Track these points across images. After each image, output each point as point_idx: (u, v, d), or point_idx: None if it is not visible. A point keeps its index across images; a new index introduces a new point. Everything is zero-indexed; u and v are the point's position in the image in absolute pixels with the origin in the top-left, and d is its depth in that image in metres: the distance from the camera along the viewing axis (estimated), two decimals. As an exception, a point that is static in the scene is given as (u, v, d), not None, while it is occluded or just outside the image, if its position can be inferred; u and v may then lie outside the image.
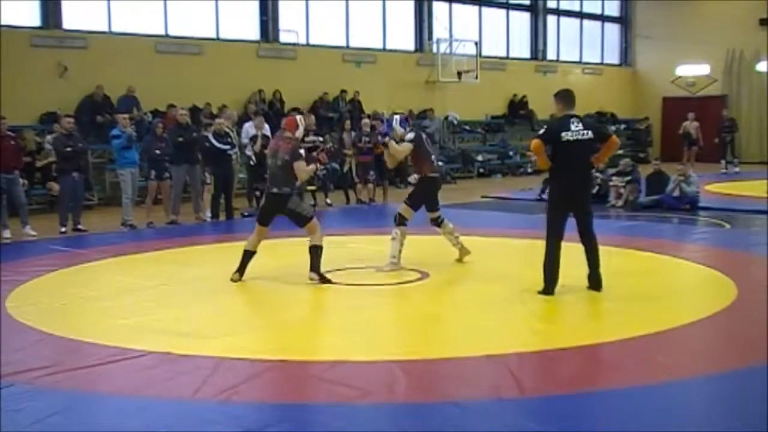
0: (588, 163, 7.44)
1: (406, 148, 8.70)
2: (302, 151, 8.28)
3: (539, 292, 7.34)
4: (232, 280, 8.12)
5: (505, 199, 16.55)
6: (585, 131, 7.24)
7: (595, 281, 7.44)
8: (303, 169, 8.10)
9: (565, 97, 7.52)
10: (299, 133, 8.23)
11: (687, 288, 8.13)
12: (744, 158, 26.24)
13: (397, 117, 9.15)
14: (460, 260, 9.01)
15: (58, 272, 8.90)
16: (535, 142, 7.23)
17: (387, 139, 8.93)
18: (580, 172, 7.36)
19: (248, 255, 8.21)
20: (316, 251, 8.07)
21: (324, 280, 7.99)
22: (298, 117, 8.43)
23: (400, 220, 8.64)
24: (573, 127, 7.19)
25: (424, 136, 9.06)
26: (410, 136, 8.75)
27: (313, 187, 15.19)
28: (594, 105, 27.61)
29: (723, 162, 22.06)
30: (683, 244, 10.63)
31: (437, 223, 8.91)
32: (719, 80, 27.38)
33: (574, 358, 5.65)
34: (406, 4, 23.08)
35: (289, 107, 19.42)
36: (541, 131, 7.35)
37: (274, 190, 8.06)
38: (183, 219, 13.07)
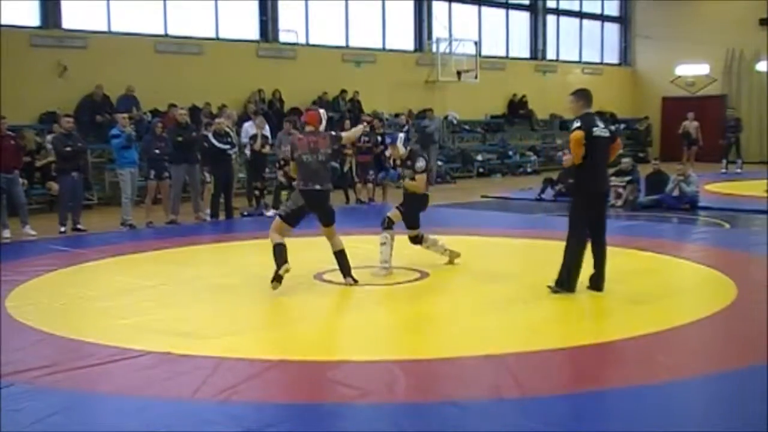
0: (607, 160, 7.52)
1: (421, 180, 8.59)
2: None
3: (553, 290, 7.34)
4: (280, 273, 7.57)
5: (504, 199, 16.55)
6: (605, 129, 7.39)
7: (597, 282, 7.45)
8: (351, 132, 8.41)
9: (585, 95, 7.56)
10: (323, 127, 8.06)
11: (687, 288, 8.13)
12: (744, 158, 26.27)
13: (401, 135, 8.96)
14: (451, 263, 8.96)
15: (57, 272, 8.90)
16: (577, 134, 7.14)
17: (404, 177, 8.70)
18: (604, 168, 7.49)
19: (281, 247, 7.69)
20: (343, 255, 7.93)
21: (356, 280, 7.94)
22: (321, 111, 8.24)
23: (388, 224, 8.58)
24: (599, 124, 7.31)
25: (426, 156, 9.01)
26: (421, 165, 8.58)
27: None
28: (594, 105, 27.57)
29: (724, 162, 22.02)
30: (683, 243, 10.63)
31: (418, 240, 8.82)
32: (719, 80, 27.39)
33: (574, 358, 5.65)
34: (405, 3, 23.09)
35: (289, 107, 19.43)
36: (578, 124, 7.24)
37: (317, 186, 7.78)
38: (182, 219, 13.07)
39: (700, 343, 6.15)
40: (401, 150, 8.75)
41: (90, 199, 15.13)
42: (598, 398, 4.85)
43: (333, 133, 8.15)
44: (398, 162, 8.90)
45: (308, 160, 7.79)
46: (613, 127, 8.37)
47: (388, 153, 8.89)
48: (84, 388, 5.14)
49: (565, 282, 7.34)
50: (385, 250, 8.46)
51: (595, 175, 7.32)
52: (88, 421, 4.66)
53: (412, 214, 8.74)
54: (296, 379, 5.34)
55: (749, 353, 5.63)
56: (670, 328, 6.25)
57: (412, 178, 8.60)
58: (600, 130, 7.27)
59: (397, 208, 8.80)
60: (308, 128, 8.01)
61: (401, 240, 8.54)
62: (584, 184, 7.36)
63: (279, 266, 7.60)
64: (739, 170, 21.47)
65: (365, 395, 4.87)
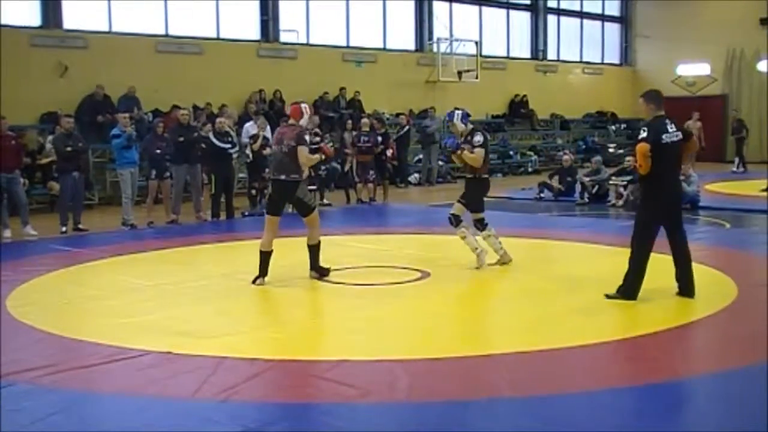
0: (679, 165, 7.21)
1: (479, 154, 8.48)
2: (307, 138, 8.23)
3: (611, 296, 7.08)
4: (255, 284, 7.98)
5: (505, 199, 16.54)
6: (677, 132, 6.95)
7: (686, 288, 7.15)
8: (306, 155, 8.04)
9: (656, 97, 7.08)
10: (303, 121, 8.16)
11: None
12: (744, 158, 26.25)
13: (458, 112, 8.72)
14: (501, 264, 8.84)
15: (58, 272, 8.91)
16: (642, 147, 6.74)
17: (459, 150, 8.59)
18: (677, 175, 7.19)
19: (266, 256, 8.05)
20: (316, 249, 8.15)
21: (323, 274, 8.14)
22: (303, 105, 8.33)
23: (456, 221, 8.61)
24: (669, 129, 6.88)
25: (487, 135, 8.91)
26: (479, 139, 8.51)
27: (313, 187, 15.20)
28: (594, 105, 27.65)
29: (736, 160, 22.42)
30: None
31: (482, 225, 8.80)
32: (719, 80, 27.37)
33: (574, 357, 5.65)
34: (406, 3, 23.08)
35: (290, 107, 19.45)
36: (645, 134, 6.78)
37: (282, 176, 8.01)
38: (183, 218, 13.07)
39: (701, 342, 6.16)
40: (461, 126, 8.71)
41: (91, 199, 15.14)
42: (598, 398, 4.85)
43: (300, 132, 8.07)
44: (459, 139, 8.78)
45: (275, 150, 8.22)
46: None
47: (462, 148, 8.63)
48: (84, 388, 5.14)
49: (629, 290, 7.06)
50: (470, 240, 8.58)
51: (663, 184, 6.94)
52: (88, 420, 4.66)
53: (476, 198, 8.75)
54: (296, 378, 5.34)
55: (749, 353, 5.63)
56: (670, 328, 6.25)
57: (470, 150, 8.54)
58: (670, 135, 6.85)
59: (458, 201, 8.76)
60: (291, 121, 8.18)
61: (402, 240, 8.55)
62: (652, 195, 7.00)
63: (260, 274, 8.04)
64: (735, 170, 21.45)
65: (365, 395, 4.88)
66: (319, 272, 8.19)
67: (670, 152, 6.85)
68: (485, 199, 8.95)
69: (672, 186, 7.12)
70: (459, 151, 8.62)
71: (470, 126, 8.78)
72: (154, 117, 16.07)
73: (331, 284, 8.07)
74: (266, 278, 8.01)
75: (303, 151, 7.97)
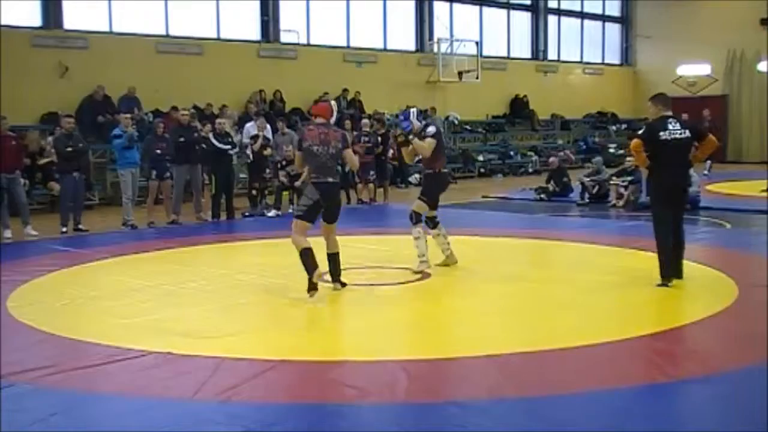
0: (686, 161, 7.76)
1: (430, 143, 8.45)
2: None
3: (660, 284, 7.57)
4: (317, 279, 7.38)
5: (505, 199, 16.55)
6: (683, 131, 7.58)
7: (675, 269, 7.75)
8: (354, 158, 7.88)
9: (662, 99, 7.88)
10: (333, 120, 7.90)
11: (687, 288, 8.11)
12: (744, 158, 26.29)
13: (413, 110, 8.82)
14: (444, 265, 8.85)
15: (59, 272, 8.91)
16: (634, 142, 7.72)
17: (411, 136, 8.54)
18: (677, 169, 7.70)
19: (308, 252, 7.43)
20: (338, 259, 7.80)
21: (343, 284, 7.83)
22: (332, 102, 8.08)
23: (416, 218, 8.52)
24: (670, 127, 7.55)
25: (441, 130, 8.91)
26: (432, 129, 8.54)
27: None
28: (595, 105, 27.64)
29: (708, 164, 20.38)
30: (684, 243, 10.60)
31: (434, 223, 8.79)
32: (720, 80, 27.37)
33: (574, 358, 5.65)
34: (406, 3, 23.10)
35: (290, 107, 19.46)
36: (641, 131, 7.81)
37: (329, 179, 7.56)
38: (184, 219, 13.08)
39: (701, 343, 6.15)
40: (417, 123, 8.63)
41: (91, 200, 15.15)
42: (598, 398, 4.85)
43: (344, 133, 7.95)
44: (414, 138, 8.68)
45: (319, 151, 7.54)
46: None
47: (411, 137, 8.58)
48: (85, 389, 5.14)
49: (665, 273, 7.63)
50: (421, 245, 8.47)
51: (663, 177, 7.63)
52: (88, 421, 4.66)
53: (434, 193, 8.69)
54: (297, 379, 5.34)
55: (749, 353, 5.63)
56: (670, 328, 6.25)
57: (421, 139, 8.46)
58: (671, 132, 7.52)
59: (419, 198, 8.68)
60: (318, 120, 7.74)
61: (402, 240, 8.54)
62: (655, 186, 7.82)
63: (311, 273, 7.35)
64: (707, 173, 19.87)
65: (366, 395, 4.88)
66: (341, 283, 7.82)
67: (670, 149, 7.51)
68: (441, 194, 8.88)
69: (672, 179, 7.67)
70: (410, 138, 8.54)
71: (424, 123, 8.76)
72: (155, 117, 16.08)
73: (332, 284, 8.06)
74: (319, 270, 7.41)
75: (351, 154, 7.79)
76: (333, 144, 7.56)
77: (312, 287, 7.36)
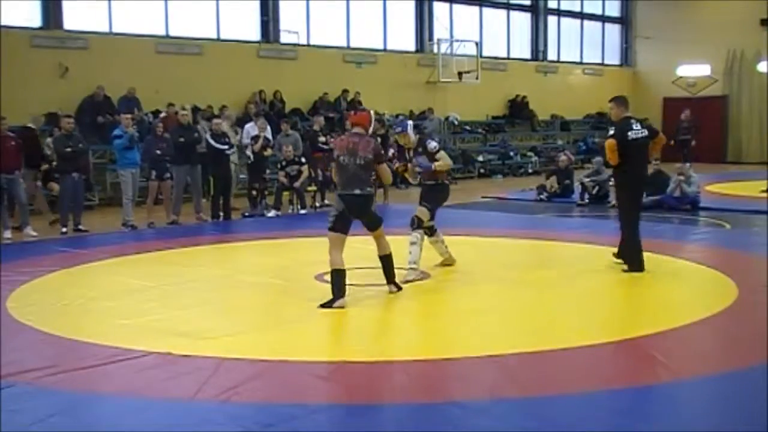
0: (646, 157, 8.70)
1: (444, 156, 8.32)
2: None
3: (626, 270, 8.33)
4: (333, 307, 7.06)
5: (505, 200, 16.55)
6: (643, 130, 8.40)
7: (619, 254, 8.64)
8: (387, 173, 7.64)
9: (624, 101, 8.68)
10: (371, 130, 7.67)
11: (687, 288, 8.12)
12: (744, 158, 26.30)
13: (410, 123, 8.71)
14: (444, 265, 8.81)
15: (58, 272, 8.91)
16: (610, 142, 8.28)
17: (436, 157, 8.26)
18: (642, 165, 8.65)
19: (340, 274, 7.20)
20: (389, 260, 7.63)
21: (399, 288, 7.69)
22: (371, 112, 7.86)
23: (418, 223, 8.37)
24: (634, 127, 8.33)
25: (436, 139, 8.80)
26: (435, 144, 8.36)
27: (314, 188, 15.21)
28: (594, 106, 27.62)
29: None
30: (684, 244, 10.63)
31: (432, 231, 8.69)
32: (720, 81, 27.37)
33: (574, 358, 5.65)
34: (406, 4, 23.09)
35: (290, 108, 19.46)
36: (613, 132, 8.36)
37: (356, 191, 7.29)
38: (184, 219, 13.08)
39: (701, 343, 6.15)
40: (412, 137, 8.50)
41: (91, 200, 15.14)
42: (598, 399, 4.85)
43: (377, 144, 7.68)
44: (410, 152, 8.57)
45: (345, 162, 7.34)
46: (614, 128, 8.61)
47: (394, 141, 8.53)
48: (85, 389, 5.15)
49: (635, 263, 8.35)
50: (415, 250, 8.27)
51: (631, 173, 8.39)
52: (88, 421, 4.67)
53: (439, 204, 8.60)
54: (297, 379, 5.34)
55: (749, 353, 5.63)
56: (670, 329, 6.25)
57: (433, 161, 8.30)
58: (635, 132, 8.29)
59: (422, 205, 8.50)
60: (355, 129, 7.53)
61: (402, 241, 8.53)
62: (624, 183, 8.57)
63: (334, 298, 7.12)
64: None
65: (366, 396, 4.88)
66: (398, 287, 7.66)
67: (635, 147, 8.28)
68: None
69: (639, 174, 8.60)
70: (416, 169, 8.43)
71: (418, 136, 8.60)
72: (154, 118, 16.08)
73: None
74: (343, 301, 7.14)
75: (385, 169, 7.58)
76: (361, 154, 7.29)
77: (325, 305, 7.09)
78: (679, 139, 21.58)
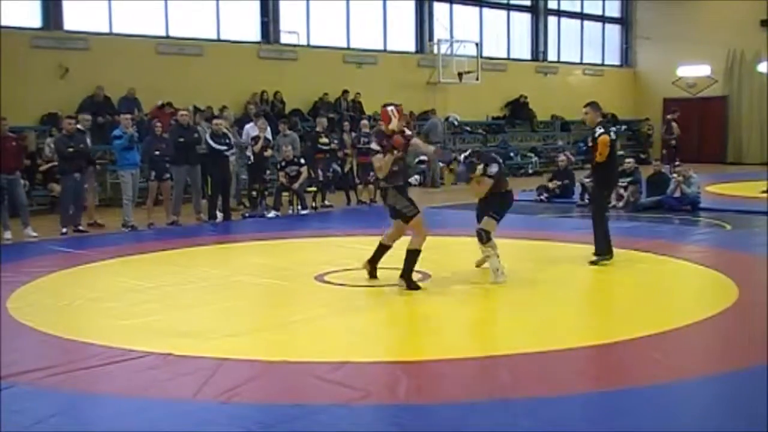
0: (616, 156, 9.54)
1: (485, 187, 8.32)
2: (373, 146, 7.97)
3: (594, 262, 8.84)
4: (365, 268, 8.16)
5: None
6: (615, 132, 9.31)
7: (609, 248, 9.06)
8: (378, 160, 7.88)
9: (598, 106, 9.41)
10: (393, 125, 7.80)
11: (687, 288, 8.13)
12: (744, 159, 26.29)
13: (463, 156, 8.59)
14: (478, 266, 8.77)
15: (59, 273, 8.91)
16: (605, 138, 8.89)
17: (485, 180, 8.29)
18: (615, 162, 9.66)
19: (382, 248, 8.06)
20: (412, 256, 7.76)
21: (411, 287, 7.72)
22: (390, 108, 7.91)
23: (487, 236, 8.22)
24: (611, 129, 9.20)
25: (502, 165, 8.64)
26: (495, 170, 8.27)
27: (313, 189, 15.21)
28: (595, 106, 27.61)
29: (668, 167, 20.54)
30: (684, 244, 10.63)
31: (489, 237, 8.41)
32: (720, 81, 27.36)
33: (574, 358, 5.66)
34: (406, 4, 23.09)
35: (290, 108, 19.46)
36: (603, 130, 9.00)
37: (387, 182, 7.92)
38: (183, 220, 13.07)
39: (701, 344, 6.16)
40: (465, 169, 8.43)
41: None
42: (598, 399, 4.85)
43: (382, 132, 7.93)
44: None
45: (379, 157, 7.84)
46: (614, 128, 9.59)
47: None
48: (85, 389, 5.15)
49: (605, 250, 8.88)
50: (494, 261, 8.15)
51: (610, 168, 9.24)
52: (89, 422, 4.67)
53: (503, 212, 8.50)
54: (297, 380, 5.34)
55: (750, 354, 5.63)
56: (670, 329, 6.25)
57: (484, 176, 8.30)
58: (613, 133, 9.11)
59: (489, 216, 8.34)
60: (381, 127, 7.99)
61: (403, 242, 8.53)
62: (606, 178, 9.26)
63: (371, 260, 8.12)
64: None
65: (366, 396, 4.88)
66: (408, 284, 7.74)
67: (614, 147, 9.07)
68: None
69: (615, 170, 9.81)
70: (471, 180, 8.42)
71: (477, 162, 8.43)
72: (153, 118, 16.07)
73: (332, 285, 8.07)
74: (376, 271, 8.09)
75: (374, 158, 7.88)
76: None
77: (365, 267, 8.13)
78: (666, 141, 21.54)
